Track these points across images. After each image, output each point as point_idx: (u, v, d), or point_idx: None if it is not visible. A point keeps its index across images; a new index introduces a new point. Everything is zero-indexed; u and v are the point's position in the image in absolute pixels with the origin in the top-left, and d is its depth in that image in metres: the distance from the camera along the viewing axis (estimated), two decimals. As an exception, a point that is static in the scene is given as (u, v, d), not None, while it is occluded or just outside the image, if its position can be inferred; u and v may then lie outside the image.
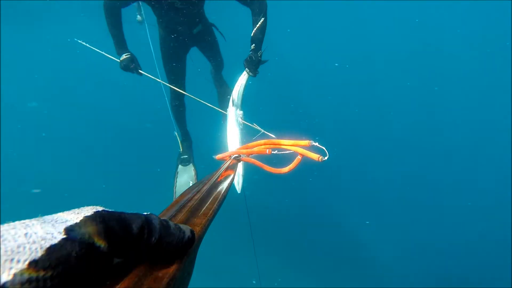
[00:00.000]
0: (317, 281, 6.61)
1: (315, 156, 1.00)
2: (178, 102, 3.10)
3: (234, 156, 1.26)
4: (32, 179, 8.79)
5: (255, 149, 1.17)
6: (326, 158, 0.98)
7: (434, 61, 12.03)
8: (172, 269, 0.38)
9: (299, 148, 1.05)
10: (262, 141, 1.19)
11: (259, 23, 2.34)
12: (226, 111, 3.06)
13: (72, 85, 10.07)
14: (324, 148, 1.01)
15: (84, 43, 2.61)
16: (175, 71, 2.98)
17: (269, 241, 6.54)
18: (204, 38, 2.95)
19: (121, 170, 9.13)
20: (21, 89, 9.95)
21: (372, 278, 6.94)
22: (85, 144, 9.63)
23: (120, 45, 2.51)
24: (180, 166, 3.25)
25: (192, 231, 0.41)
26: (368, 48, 12.11)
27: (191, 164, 3.26)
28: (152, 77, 2.67)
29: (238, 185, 2.01)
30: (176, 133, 3.32)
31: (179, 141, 3.29)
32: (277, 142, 1.14)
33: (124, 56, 2.51)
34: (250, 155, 1.25)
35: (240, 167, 1.97)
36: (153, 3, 2.48)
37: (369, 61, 12.12)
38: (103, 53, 2.62)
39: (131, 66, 2.50)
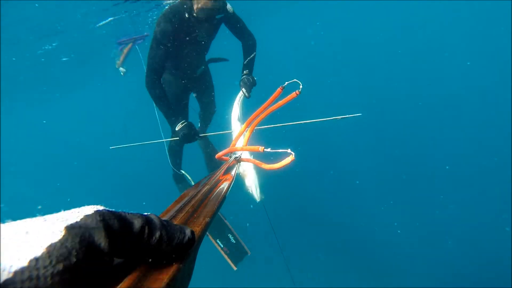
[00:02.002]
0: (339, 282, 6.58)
1: (293, 95, 1.05)
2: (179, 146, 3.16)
3: (234, 157, 1.26)
4: (33, 179, 8.79)
5: (247, 147, 1.19)
6: (301, 86, 1.05)
7: (434, 61, 12.03)
8: (172, 270, 0.38)
9: (279, 102, 1.12)
10: (246, 132, 1.23)
11: (252, 55, 2.69)
12: (215, 169, 3.14)
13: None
14: (295, 80, 1.06)
15: (120, 146, 2.52)
16: (181, 111, 2.98)
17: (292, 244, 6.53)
18: (205, 79, 3.10)
19: (122, 170, 9.14)
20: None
21: (377, 276, 6.92)
22: (86, 144, 9.64)
23: (173, 114, 2.31)
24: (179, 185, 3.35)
25: (192, 232, 0.41)
26: (366, 47, 12.13)
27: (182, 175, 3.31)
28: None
29: (256, 194, 1.98)
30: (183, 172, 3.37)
31: (189, 178, 3.32)
32: (256, 119, 1.18)
33: (180, 126, 2.26)
34: (249, 155, 1.26)
35: (253, 175, 1.95)
36: (176, 42, 2.46)
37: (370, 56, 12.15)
38: (142, 143, 2.51)
39: (192, 133, 2.25)
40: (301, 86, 1.05)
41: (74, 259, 0.25)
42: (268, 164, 1.11)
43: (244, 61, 2.72)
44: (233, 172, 1.08)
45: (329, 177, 9.03)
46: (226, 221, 3.12)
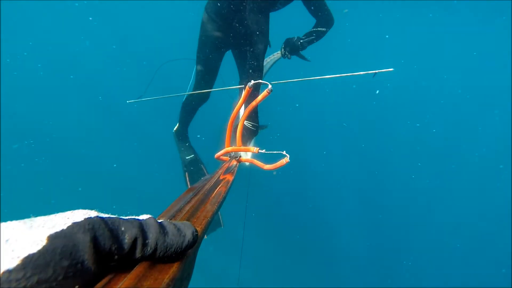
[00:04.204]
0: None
1: (265, 94, 1.09)
2: (198, 101, 2.82)
3: (234, 157, 1.28)
4: (32, 178, 8.77)
5: (243, 148, 1.23)
6: (270, 86, 1.08)
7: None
8: (172, 269, 0.38)
9: (256, 99, 1.15)
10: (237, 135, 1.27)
11: (322, 29, 2.35)
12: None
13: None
14: (265, 82, 1.11)
15: (139, 100, 2.42)
16: (211, 67, 2.66)
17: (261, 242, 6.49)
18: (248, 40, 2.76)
19: (123, 168, 9.12)
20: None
21: (369, 278, 6.93)
22: (87, 140, 9.59)
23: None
24: (187, 171, 3.05)
25: (193, 233, 0.40)
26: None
27: (198, 163, 3.06)
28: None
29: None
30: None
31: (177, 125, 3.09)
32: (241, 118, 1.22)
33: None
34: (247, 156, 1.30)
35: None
36: None
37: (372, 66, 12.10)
38: (161, 96, 2.37)
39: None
40: (270, 86, 1.09)
41: (51, 272, 0.24)
42: (265, 164, 1.15)
43: (310, 29, 2.42)
44: (233, 172, 1.09)
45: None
46: (203, 167, 3.00)
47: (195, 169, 3.01)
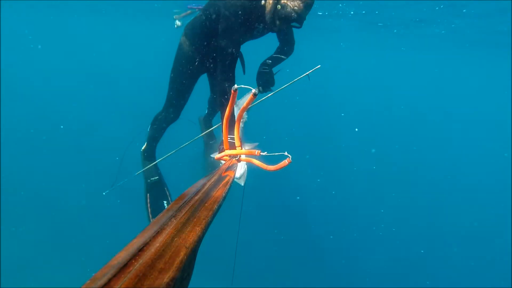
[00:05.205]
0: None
1: (252, 98, 1.12)
2: (171, 117, 2.77)
3: (234, 157, 1.27)
4: (32, 181, 8.75)
5: (244, 151, 1.25)
6: (254, 90, 1.11)
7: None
8: (172, 269, 0.38)
9: (244, 104, 1.18)
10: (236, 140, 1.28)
11: (282, 57, 2.55)
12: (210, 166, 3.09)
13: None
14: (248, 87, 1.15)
15: (113, 188, 2.49)
16: (185, 88, 2.66)
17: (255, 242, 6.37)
18: None
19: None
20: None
21: (362, 278, 6.89)
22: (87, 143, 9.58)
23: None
24: (149, 193, 2.89)
25: None
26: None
27: (162, 186, 2.93)
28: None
29: (242, 178, 1.91)
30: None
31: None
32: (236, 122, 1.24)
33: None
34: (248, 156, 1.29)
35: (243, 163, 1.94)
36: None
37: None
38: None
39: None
40: (253, 90, 1.10)
41: None
42: (266, 165, 1.14)
43: (273, 54, 2.51)
44: (234, 170, 1.09)
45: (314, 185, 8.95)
46: (167, 190, 2.87)
47: (158, 193, 2.86)
